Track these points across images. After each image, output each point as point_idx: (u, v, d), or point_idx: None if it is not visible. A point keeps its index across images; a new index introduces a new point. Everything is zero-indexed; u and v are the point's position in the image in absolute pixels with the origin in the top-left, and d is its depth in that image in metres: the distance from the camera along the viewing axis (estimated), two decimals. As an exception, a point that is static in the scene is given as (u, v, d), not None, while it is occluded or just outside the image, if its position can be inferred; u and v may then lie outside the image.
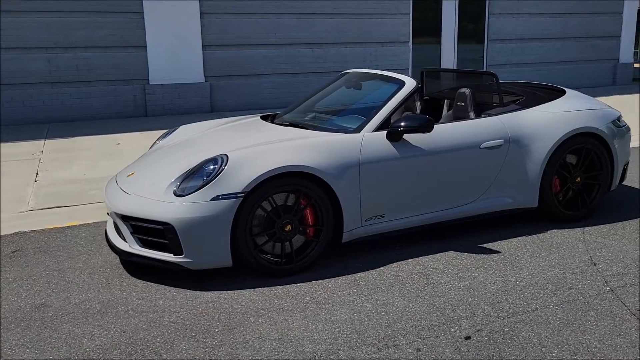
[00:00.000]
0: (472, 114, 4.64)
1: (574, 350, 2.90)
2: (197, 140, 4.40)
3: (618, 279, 3.69)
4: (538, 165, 4.50)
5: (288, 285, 3.65)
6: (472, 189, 4.38)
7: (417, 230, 4.30)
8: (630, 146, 5.24)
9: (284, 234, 3.74)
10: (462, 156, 4.27)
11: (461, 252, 4.16)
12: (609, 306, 3.34)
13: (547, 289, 3.57)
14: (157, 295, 3.53)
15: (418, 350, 2.91)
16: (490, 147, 4.35)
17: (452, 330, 3.10)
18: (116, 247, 3.82)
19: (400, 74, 4.64)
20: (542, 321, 3.18)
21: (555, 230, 4.57)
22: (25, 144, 8.18)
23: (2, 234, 4.66)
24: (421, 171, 4.14)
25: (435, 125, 4.29)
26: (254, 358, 2.84)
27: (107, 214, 4.06)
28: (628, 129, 5.12)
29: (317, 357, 2.85)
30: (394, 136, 4.05)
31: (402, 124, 4.00)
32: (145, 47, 10.46)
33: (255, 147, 3.82)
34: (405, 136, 4.09)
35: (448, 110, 5.28)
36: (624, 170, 5.04)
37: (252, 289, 3.60)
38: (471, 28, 13.44)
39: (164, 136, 4.88)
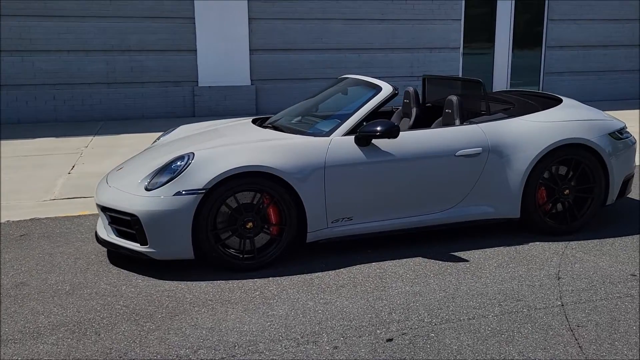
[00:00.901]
0: (457, 122, 4.63)
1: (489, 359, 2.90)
2: (184, 139, 4.68)
3: (575, 294, 3.59)
4: (519, 176, 4.43)
5: (245, 280, 3.83)
6: (447, 196, 4.37)
7: (395, 235, 4.36)
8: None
9: (246, 230, 3.93)
10: (435, 163, 4.29)
11: (429, 258, 4.18)
12: (550, 320, 3.28)
13: (495, 299, 3.54)
14: (123, 282, 3.81)
15: (335, 348, 3.01)
16: (467, 155, 4.34)
17: (377, 332, 3.16)
18: (98, 235, 4.15)
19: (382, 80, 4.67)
20: (472, 330, 3.18)
21: (538, 243, 4.47)
22: (75, 139, 8.84)
23: (20, 219, 5.13)
24: (390, 176, 4.20)
25: (410, 132, 4.34)
26: (179, 344, 3.05)
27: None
28: (633, 142, 4.92)
29: (236, 347, 3.01)
30: (362, 141, 4.13)
31: (367, 129, 4.09)
32: (196, 50, 10.98)
33: (223, 147, 4.04)
34: (375, 141, 4.17)
35: (445, 118, 5.27)
36: (625, 184, 4.84)
37: (211, 281, 3.81)
38: (527, 34, 13.06)
39: (164, 134, 5.20)
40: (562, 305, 3.46)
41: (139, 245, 3.86)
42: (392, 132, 4.07)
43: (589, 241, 4.50)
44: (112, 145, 8.35)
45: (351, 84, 4.94)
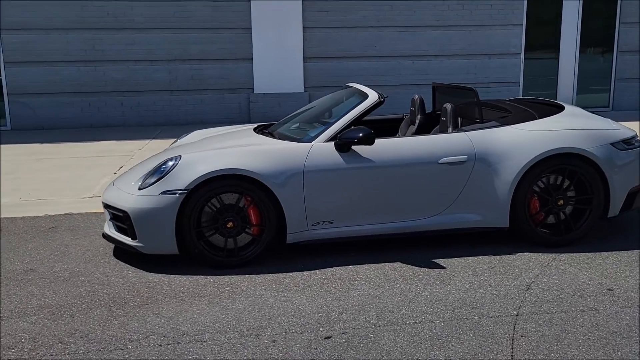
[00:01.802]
0: (450, 129, 4.65)
1: (415, 362, 2.97)
2: (190, 144, 5.02)
3: (535, 306, 3.55)
4: (507, 185, 4.38)
5: (223, 276, 4.09)
6: (432, 203, 4.41)
7: (383, 239, 4.47)
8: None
9: (227, 230, 4.19)
10: (416, 170, 4.35)
11: (407, 264, 4.25)
12: (495, 329, 3.27)
13: (450, 305, 3.57)
14: (115, 273, 4.19)
15: (273, 342, 3.19)
16: (451, 162, 4.36)
17: (320, 329, 3.31)
18: (103, 231, 4.57)
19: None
20: (412, 333, 3.24)
21: (527, 254, 4.40)
22: (134, 142, 9.53)
23: (55, 213, 5.69)
24: (371, 182, 4.30)
25: (392, 139, 4.44)
26: (136, 329, 3.35)
27: None
28: (637, 153, 4.69)
29: (184, 335, 3.27)
30: (342, 147, 4.28)
31: (346, 135, 4.23)
32: (252, 59, 11.46)
33: (210, 151, 4.33)
34: (356, 148, 4.30)
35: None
36: (632, 196, 4.64)
37: (191, 276, 4.10)
38: (597, 38, 12.48)
39: (179, 138, 5.58)
40: (517, 315, 3.44)
41: (130, 239, 4.23)
42: (367, 139, 4.18)
43: (582, 254, 4.37)
44: (163, 148, 8.93)
45: (350, 92, 5.07)
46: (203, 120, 11.47)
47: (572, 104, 5.39)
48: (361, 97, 4.63)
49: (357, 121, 4.48)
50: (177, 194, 4.07)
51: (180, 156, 4.24)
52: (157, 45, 11.17)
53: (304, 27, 11.48)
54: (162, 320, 3.44)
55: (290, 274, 4.12)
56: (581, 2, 12.11)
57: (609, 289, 3.76)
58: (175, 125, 11.26)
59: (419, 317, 3.44)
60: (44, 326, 3.40)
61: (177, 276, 4.10)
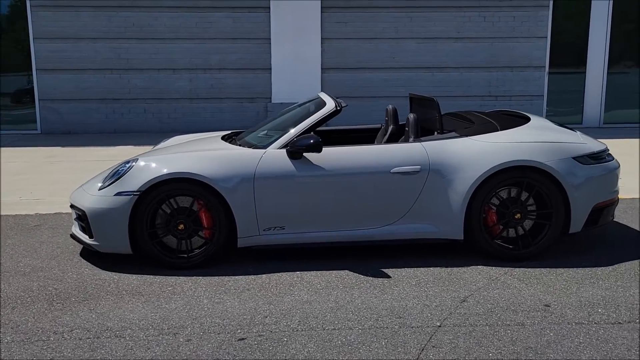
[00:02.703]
0: (411, 140, 4.63)
1: (315, 367, 2.99)
2: (163, 148, 5.18)
3: (462, 318, 3.49)
4: (461, 196, 4.33)
5: (171, 277, 4.20)
6: (385, 212, 4.40)
7: (343, 246, 4.50)
8: None
9: (178, 232, 4.31)
10: (368, 179, 4.35)
11: (355, 272, 4.25)
12: (410, 339, 3.25)
13: (376, 314, 3.56)
14: (72, 270, 4.37)
15: (188, 341, 3.27)
16: (404, 172, 4.34)
17: (238, 331, 3.37)
18: (71, 230, 4.77)
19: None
20: (325, 339, 3.26)
21: (480, 267, 4.33)
22: (149, 147, 9.82)
23: (47, 212, 5.97)
24: (322, 190, 4.34)
25: (345, 147, 4.47)
26: (65, 322, 3.49)
27: None
28: (613, 167, 4.56)
29: (107, 331, 3.39)
30: (293, 154, 4.34)
31: (296, 143, 4.29)
32: (270, 69, 11.66)
33: (168, 155, 4.47)
34: (308, 155, 4.35)
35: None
36: (598, 212, 4.49)
37: (142, 275, 4.23)
38: (626, 51, 12.06)
39: (162, 141, 5.75)
40: (440, 326, 3.40)
41: (88, 237, 4.41)
42: (315, 147, 4.23)
43: (537, 269, 4.27)
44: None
45: (317, 101, 5.12)
46: (222, 127, 11.68)
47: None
48: (321, 106, 4.68)
49: (313, 129, 4.54)
50: (130, 196, 4.22)
51: (137, 159, 4.40)
52: (179, 54, 11.53)
53: (322, 38, 11.60)
54: (93, 316, 3.58)
55: (236, 277, 4.20)
56: (610, 14, 11.75)
57: (546, 305, 3.66)
58: (194, 132, 11.53)
59: (340, 324, 3.44)
60: (-16, 316, 3.59)
61: (128, 275, 4.24)
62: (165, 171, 4.22)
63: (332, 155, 4.37)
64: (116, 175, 4.38)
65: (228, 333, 3.35)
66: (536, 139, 4.46)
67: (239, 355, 3.11)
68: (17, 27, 11.58)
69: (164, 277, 4.21)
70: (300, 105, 5.35)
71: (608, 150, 4.71)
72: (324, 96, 4.87)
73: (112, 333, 3.36)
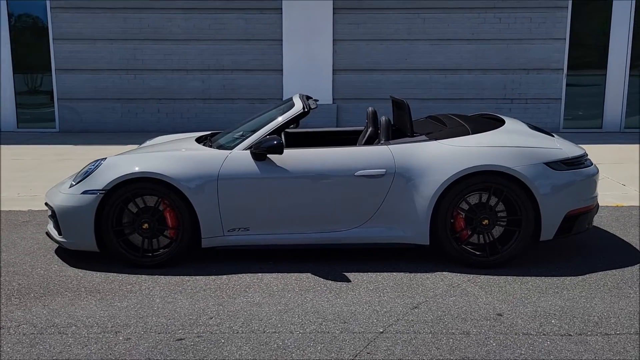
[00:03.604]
0: (381, 142, 4.57)
1: (242, 370, 2.98)
2: (142, 147, 5.25)
3: (408, 325, 3.42)
4: (427, 201, 4.25)
5: (134, 275, 4.24)
6: (350, 215, 4.35)
7: (317, 249, 4.49)
8: None
9: (143, 231, 4.36)
10: (332, 181, 4.31)
11: (316, 275, 4.22)
12: (346, 344, 3.20)
13: (323, 318, 3.52)
14: (43, 266, 4.46)
15: (127, 339, 3.29)
16: (368, 175, 4.29)
17: (179, 331, 3.38)
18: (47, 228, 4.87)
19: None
20: (263, 342, 3.24)
21: (446, 273, 4.24)
22: (157, 147, 9.97)
23: (40, 209, 6.11)
24: (286, 191, 4.32)
25: (309, 150, 4.44)
26: (17, 318, 3.56)
27: None
28: (590, 173, 4.41)
29: (52, 327, 3.44)
30: (257, 156, 4.33)
31: (259, 144, 4.27)
32: (282, 70, 11.69)
33: (135, 154, 4.52)
34: (272, 157, 4.33)
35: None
36: (572, 219, 4.34)
37: (106, 273, 4.28)
38: (650, 54, 11.65)
39: (149, 140, 5.81)
40: (382, 332, 3.34)
41: (57, 234, 4.50)
42: (276, 148, 4.21)
43: (502, 277, 4.15)
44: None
45: (289, 103, 5.09)
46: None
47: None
48: (291, 108, 4.66)
49: (281, 130, 4.53)
50: (96, 194, 4.28)
51: (105, 158, 4.47)
52: (192, 55, 11.67)
53: (334, 40, 11.57)
54: (45, 312, 3.65)
55: (197, 277, 4.22)
56: (632, 14, 11.37)
57: (498, 314, 3.56)
58: (206, 131, 11.67)
59: (282, 327, 3.42)
60: (-58, 308, 3.70)
61: (92, 272, 4.31)
62: (129, 170, 4.27)
63: (295, 157, 4.34)
64: (85, 173, 4.46)
65: (168, 333, 3.36)
66: (506, 144, 4.34)
67: (172, 355, 3.11)
68: (37, 29, 11.91)
69: (127, 275, 4.25)
70: (276, 107, 5.33)
71: (586, 155, 4.55)
72: (296, 98, 4.84)
73: (56, 329, 3.41)
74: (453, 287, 4.00)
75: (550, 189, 4.23)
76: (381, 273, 4.26)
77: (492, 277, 4.16)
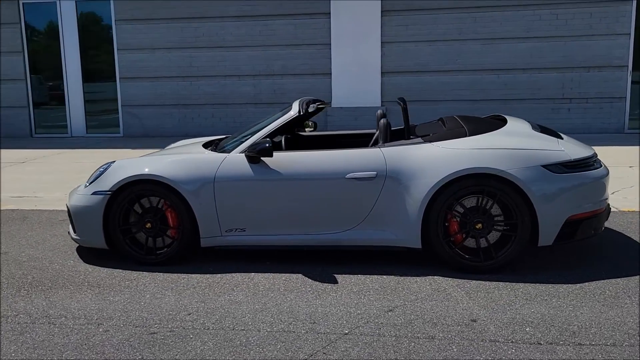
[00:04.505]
0: (379, 145, 4.55)
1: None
2: (157, 152, 5.51)
3: (376, 327, 3.40)
4: (417, 204, 4.19)
5: (135, 272, 4.47)
6: (342, 218, 4.37)
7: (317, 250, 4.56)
8: None
9: (147, 230, 4.59)
10: (323, 184, 4.34)
11: (307, 276, 4.27)
12: (306, 344, 3.23)
13: (293, 318, 3.57)
14: (60, 262, 4.79)
15: (106, 331, 3.49)
16: (359, 178, 4.29)
17: (155, 326, 3.54)
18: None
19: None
20: (228, 339, 3.33)
21: (437, 277, 4.17)
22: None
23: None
24: (279, 194, 4.40)
25: (301, 152, 4.49)
26: (16, 308, 3.86)
27: None
28: (595, 176, 4.20)
29: (45, 317, 3.71)
30: (252, 158, 4.44)
31: (253, 147, 4.39)
32: (331, 74, 11.80)
33: (142, 158, 4.76)
34: (266, 159, 4.43)
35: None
36: (575, 225, 4.14)
37: (113, 269, 4.55)
38: None
39: (169, 145, 6.09)
40: (346, 334, 3.34)
41: (73, 232, 4.82)
42: (266, 151, 4.31)
43: (496, 283, 4.03)
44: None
45: (289, 107, 5.15)
46: (283, 132, 12.04)
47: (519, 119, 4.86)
48: (289, 112, 4.76)
49: (277, 134, 4.63)
50: (104, 195, 4.56)
51: (115, 161, 4.74)
52: (243, 61, 12.02)
53: (382, 42, 11.55)
54: (44, 303, 3.93)
55: (192, 275, 4.39)
56: None
57: (472, 320, 3.47)
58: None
59: (252, 325, 3.50)
60: (-41, 297, 4.08)
61: (101, 268, 4.58)
62: (132, 173, 4.51)
63: (288, 160, 4.42)
64: (96, 175, 4.75)
65: (145, 327, 3.53)
66: (502, 145, 4.21)
67: (140, 347, 3.28)
68: (103, 40, 12.68)
69: (130, 271, 4.49)
70: (281, 111, 5.44)
71: (593, 157, 4.32)
72: (296, 102, 4.92)
73: (47, 320, 3.67)
74: (438, 291, 3.93)
75: (548, 193, 4.06)
76: (371, 275, 4.25)
77: (483, 282, 4.05)
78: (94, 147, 11.29)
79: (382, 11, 11.43)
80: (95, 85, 13.01)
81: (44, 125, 13.27)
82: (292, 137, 5.79)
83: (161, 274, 4.43)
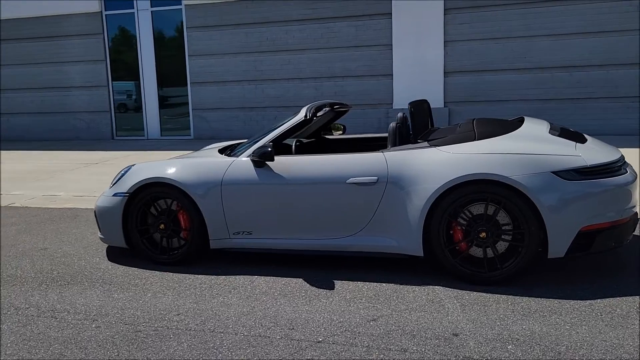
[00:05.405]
0: (388, 147, 4.45)
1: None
2: (186, 154, 5.69)
3: (352, 337, 3.32)
4: (418, 211, 4.04)
5: (151, 271, 4.65)
6: (345, 223, 4.31)
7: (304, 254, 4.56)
8: None
9: (160, 231, 4.75)
10: (324, 189, 4.29)
11: (306, 281, 4.25)
12: (272, 350, 3.21)
13: (274, 323, 3.56)
14: (87, 259, 5.07)
15: (98, 327, 3.66)
16: (360, 183, 4.20)
17: (143, 324, 3.65)
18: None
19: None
20: (203, 341, 3.38)
21: (438, 287, 4.00)
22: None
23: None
24: (284, 197, 4.40)
25: (304, 156, 4.48)
26: (29, 301, 4.12)
27: None
28: (604, 185, 3.84)
29: (49, 311, 3.94)
30: (257, 163, 4.48)
31: (255, 152, 4.42)
32: (392, 75, 11.64)
33: (158, 161, 4.93)
34: (270, 164, 4.46)
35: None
36: (588, 236, 3.82)
37: (130, 267, 4.75)
38: None
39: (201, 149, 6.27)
40: (319, 342, 3.29)
41: (99, 232, 5.09)
42: (267, 156, 4.33)
43: (497, 295, 3.80)
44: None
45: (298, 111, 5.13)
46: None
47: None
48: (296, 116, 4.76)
49: (283, 138, 4.64)
50: (122, 196, 4.78)
51: (134, 164, 4.95)
52: (306, 64, 12.14)
53: (445, 41, 11.24)
54: (55, 298, 4.18)
55: (199, 276, 4.49)
56: None
57: (454, 334, 3.29)
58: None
59: (231, 329, 3.53)
60: (-14, 289, 4.43)
61: (120, 266, 4.81)
62: (146, 176, 4.69)
63: (291, 165, 4.41)
64: (118, 177, 4.99)
65: (133, 325, 3.66)
66: (509, 150, 3.96)
67: (120, 345, 3.40)
68: (175, 47, 13.27)
69: (143, 270, 4.68)
70: (293, 115, 5.46)
71: (618, 162, 3.97)
72: (305, 107, 4.91)
73: (51, 314, 3.90)
74: (432, 302, 3.77)
75: (558, 201, 3.78)
76: (370, 283, 4.15)
77: (483, 294, 3.84)
78: (166, 149, 11.84)
79: (444, 9, 11.12)
80: (168, 90, 13.64)
81: (124, 128, 14.09)
82: (318, 140, 5.78)
83: (171, 273, 4.57)
